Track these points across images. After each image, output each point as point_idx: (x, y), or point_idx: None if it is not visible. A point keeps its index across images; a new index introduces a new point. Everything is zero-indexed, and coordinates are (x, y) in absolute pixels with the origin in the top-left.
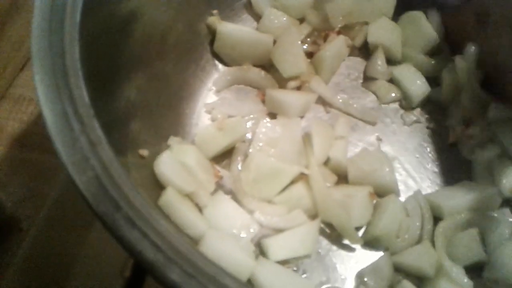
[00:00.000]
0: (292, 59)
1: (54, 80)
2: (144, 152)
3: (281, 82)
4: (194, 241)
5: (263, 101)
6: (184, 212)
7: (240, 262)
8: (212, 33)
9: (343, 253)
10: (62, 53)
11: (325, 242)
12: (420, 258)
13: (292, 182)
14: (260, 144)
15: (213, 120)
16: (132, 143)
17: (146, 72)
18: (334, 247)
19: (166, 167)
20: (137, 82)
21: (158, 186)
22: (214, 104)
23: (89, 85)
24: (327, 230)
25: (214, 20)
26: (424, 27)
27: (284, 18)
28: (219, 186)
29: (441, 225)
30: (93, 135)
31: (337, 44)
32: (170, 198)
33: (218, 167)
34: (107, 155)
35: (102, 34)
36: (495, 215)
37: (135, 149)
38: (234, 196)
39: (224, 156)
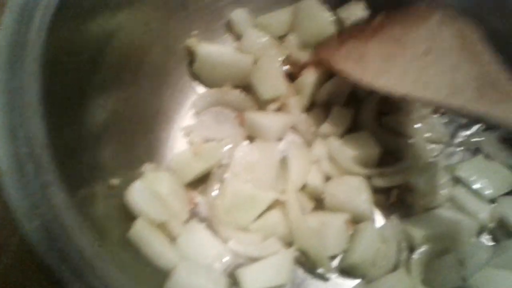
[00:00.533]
0: (271, 80)
1: (10, 119)
2: (115, 181)
3: (261, 104)
4: (165, 273)
5: (242, 124)
6: (154, 244)
7: None
8: (191, 55)
9: (319, 282)
10: (21, 87)
11: (300, 271)
12: (396, 286)
13: (268, 208)
14: (237, 169)
15: (190, 143)
16: (101, 172)
17: (120, 97)
18: (310, 276)
19: (137, 196)
20: (109, 107)
21: (128, 216)
22: (192, 127)
23: (50, 116)
24: (303, 259)
25: (193, 41)
26: None
27: (265, 39)
28: (194, 213)
29: (417, 252)
30: (47, 176)
31: (318, 71)
32: (140, 230)
33: (194, 193)
34: (60, 199)
35: (70, 61)
36: (473, 240)
37: (104, 178)
38: (209, 223)
39: (201, 181)
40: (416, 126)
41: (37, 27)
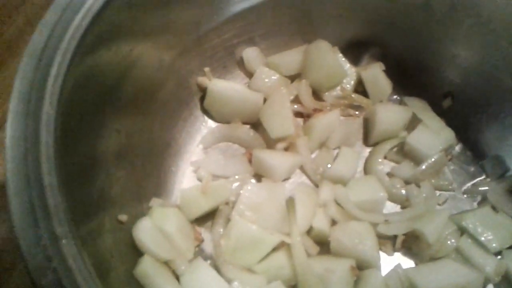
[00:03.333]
0: (280, 120)
1: (25, 169)
2: (123, 217)
3: (270, 142)
4: None
5: (250, 161)
6: (159, 283)
7: None
8: (203, 90)
9: None
10: (36, 139)
11: None
12: None
13: (274, 249)
14: (243, 208)
15: (198, 179)
16: (111, 208)
17: (131, 130)
18: None
19: (144, 234)
20: (122, 140)
21: (135, 250)
22: (200, 162)
23: (63, 167)
24: None
25: (204, 79)
26: None
27: (275, 77)
28: (200, 250)
29: None
30: (59, 229)
31: (330, 116)
32: (146, 268)
33: (200, 229)
34: (71, 252)
35: (85, 103)
36: None
37: (113, 214)
38: (214, 261)
39: (207, 217)
40: (424, 172)
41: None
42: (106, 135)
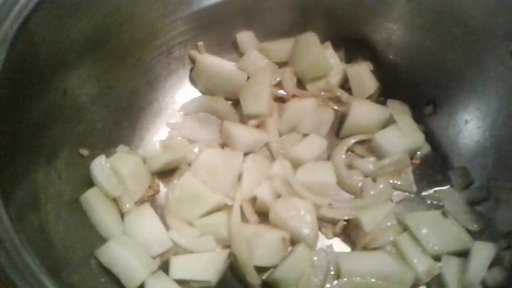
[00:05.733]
0: (256, 98)
1: None
2: (84, 152)
3: (244, 119)
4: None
5: (221, 132)
6: (100, 213)
7: (132, 271)
8: (193, 62)
9: None
10: None
11: (229, 275)
12: None
13: (217, 210)
14: (198, 168)
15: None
16: (73, 141)
17: (113, 81)
18: (236, 282)
19: (97, 168)
20: (99, 88)
21: (89, 182)
22: (175, 125)
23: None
24: (235, 264)
25: (195, 52)
26: None
27: (264, 61)
28: (153, 200)
29: (337, 283)
30: None
31: (306, 102)
32: (90, 196)
33: (159, 182)
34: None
35: (63, 44)
36: None
37: (75, 147)
38: (162, 211)
39: (169, 173)
40: (383, 169)
41: None
42: (82, 76)
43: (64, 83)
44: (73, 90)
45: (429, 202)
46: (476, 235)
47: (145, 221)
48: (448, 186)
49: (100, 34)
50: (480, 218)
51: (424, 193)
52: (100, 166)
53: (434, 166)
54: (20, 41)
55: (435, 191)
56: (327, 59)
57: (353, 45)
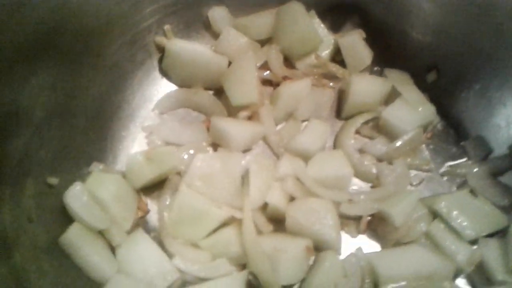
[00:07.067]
0: (243, 86)
1: None
2: (53, 180)
3: (232, 110)
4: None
5: (209, 129)
6: (87, 254)
7: None
8: (162, 50)
9: None
10: None
11: None
12: None
13: (223, 225)
14: (193, 178)
15: (149, 145)
16: (37, 171)
17: (71, 87)
18: None
19: (74, 199)
20: (55, 98)
21: (66, 217)
22: (153, 127)
23: None
24: (257, 282)
25: (162, 39)
26: None
27: (243, 40)
28: (144, 222)
29: None
30: None
31: (300, 84)
32: (72, 236)
33: (146, 200)
34: None
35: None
36: (447, 285)
37: (41, 177)
38: (158, 234)
39: (157, 187)
40: (398, 149)
41: None
42: (35, 89)
43: (14, 101)
44: (26, 107)
45: (445, 178)
46: (507, 210)
47: (142, 252)
48: (465, 159)
49: (48, 32)
50: (508, 191)
51: (442, 170)
52: (76, 196)
53: (446, 138)
54: None
55: (451, 166)
56: (317, 31)
57: (341, 12)
